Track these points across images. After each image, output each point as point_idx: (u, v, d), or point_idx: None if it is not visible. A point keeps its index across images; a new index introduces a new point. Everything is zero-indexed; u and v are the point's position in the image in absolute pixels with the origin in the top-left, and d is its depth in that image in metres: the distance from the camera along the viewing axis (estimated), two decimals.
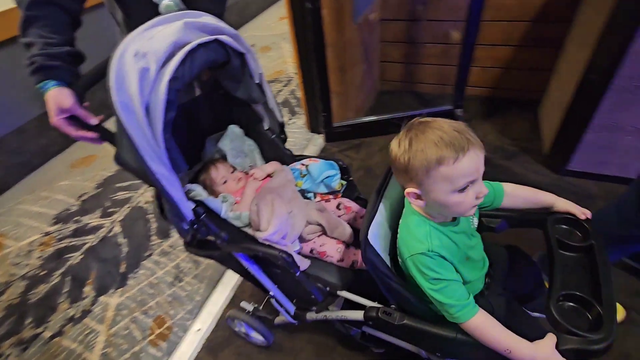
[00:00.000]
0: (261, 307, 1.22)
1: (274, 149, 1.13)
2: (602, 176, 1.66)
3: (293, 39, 1.89)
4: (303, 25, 1.79)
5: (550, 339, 0.61)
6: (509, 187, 0.81)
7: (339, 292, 0.90)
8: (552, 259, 0.72)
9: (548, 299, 0.65)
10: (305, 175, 1.09)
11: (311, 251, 0.98)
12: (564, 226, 0.77)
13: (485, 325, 0.65)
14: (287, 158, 1.13)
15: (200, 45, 0.74)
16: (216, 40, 0.78)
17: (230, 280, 1.50)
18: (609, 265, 0.67)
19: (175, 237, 1.73)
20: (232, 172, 1.07)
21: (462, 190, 0.63)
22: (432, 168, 0.61)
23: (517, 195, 0.82)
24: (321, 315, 0.97)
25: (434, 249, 0.67)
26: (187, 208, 0.77)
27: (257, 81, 0.95)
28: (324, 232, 0.99)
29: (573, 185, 1.70)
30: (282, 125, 1.09)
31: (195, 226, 0.79)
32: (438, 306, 0.68)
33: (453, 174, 0.61)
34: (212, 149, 1.12)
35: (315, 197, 1.10)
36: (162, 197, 0.75)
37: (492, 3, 1.95)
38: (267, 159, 1.16)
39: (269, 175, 1.07)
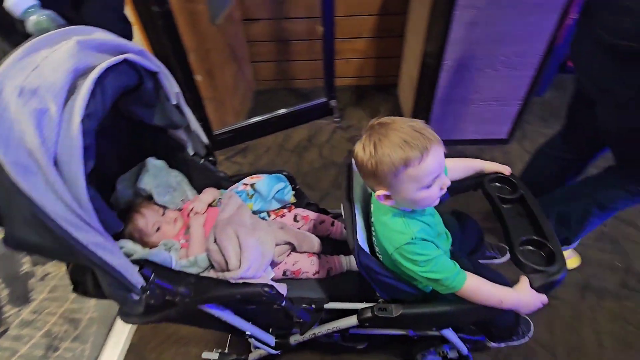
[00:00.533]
0: (227, 350, 1.09)
1: (206, 175, 1.00)
2: (458, 141, 1.99)
3: (148, 47, 1.71)
4: (155, 31, 1.63)
5: (524, 281, 0.70)
6: (449, 163, 0.83)
7: (325, 306, 0.86)
8: (499, 214, 0.82)
9: (511, 247, 0.74)
10: (253, 195, 1.00)
11: (284, 273, 0.92)
12: (497, 184, 0.88)
13: (477, 285, 0.71)
14: (224, 181, 1.02)
15: (108, 70, 0.58)
16: (125, 60, 0.63)
17: (122, 330, 1.29)
18: (540, 208, 0.79)
19: (39, 299, 1.40)
20: (163, 214, 0.91)
21: (429, 186, 0.66)
22: (400, 171, 0.64)
23: (456, 168, 0.88)
24: (308, 335, 0.91)
25: (416, 235, 0.69)
26: (134, 274, 0.62)
27: (174, 102, 0.81)
28: (292, 250, 0.93)
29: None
30: (208, 147, 0.97)
31: (148, 292, 0.64)
32: (434, 285, 0.72)
33: (419, 173, 0.64)
34: (129, 191, 0.92)
35: (269, 216, 1.02)
36: (95, 272, 0.58)
37: None
38: (198, 188, 1.01)
39: (210, 205, 0.95)
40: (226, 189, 1.03)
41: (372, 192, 0.75)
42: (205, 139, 0.96)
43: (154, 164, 0.94)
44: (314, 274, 0.92)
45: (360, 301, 0.83)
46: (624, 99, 0.89)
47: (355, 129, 2.22)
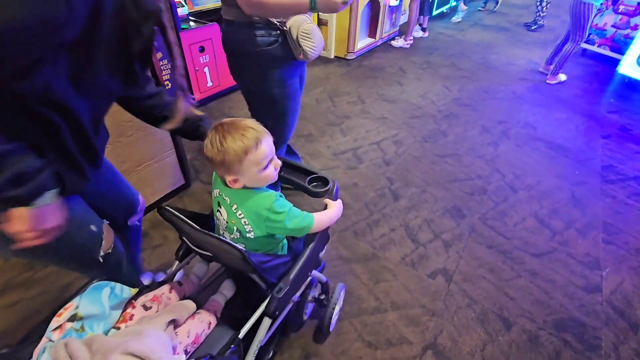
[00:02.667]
0: None
1: None
2: (147, 208, 1.67)
3: None
4: None
5: (327, 202, 1.01)
6: None
7: (240, 335, 0.85)
8: (286, 180, 1.07)
9: (307, 190, 1.03)
10: (82, 326, 0.74)
11: (186, 351, 0.81)
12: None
13: (319, 218, 0.92)
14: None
15: None
16: None
17: None
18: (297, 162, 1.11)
19: None
20: None
21: (266, 167, 0.84)
22: (243, 157, 0.80)
23: None
24: None
25: (275, 194, 0.88)
26: None
27: None
28: (176, 325, 0.83)
29: None
30: None
31: None
32: (299, 233, 0.91)
33: (258, 157, 0.82)
34: None
35: (119, 328, 0.80)
36: None
37: None
38: None
39: None
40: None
41: (221, 194, 0.91)
42: None
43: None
44: (209, 328, 0.89)
45: (256, 308, 0.86)
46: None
47: None
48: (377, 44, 4.28)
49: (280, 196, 0.89)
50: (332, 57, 3.93)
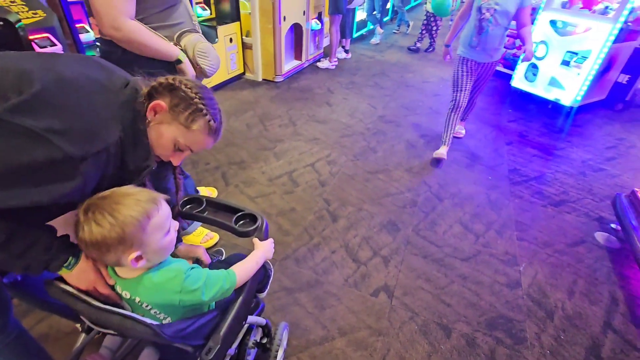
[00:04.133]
0: None
1: None
2: None
3: None
4: None
5: (255, 241, 0.95)
6: None
7: None
8: (208, 220, 1.02)
9: (233, 230, 0.97)
10: None
11: None
12: (188, 208, 1.05)
13: (241, 270, 0.85)
14: None
15: None
16: None
17: None
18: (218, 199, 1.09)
19: None
20: None
21: (168, 230, 0.74)
22: (146, 223, 0.68)
23: None
24: None
25: (182, 268, 0.75)
26: None
27: None
28: None
29: None
30: None
31: None
32: (224, 296, 0.80)
33: (161, 220, 0.72)
34: None
35: None
36: None
37: None
38: None
39: None
40: None
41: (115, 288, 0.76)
42: None
43: None
44: None
45: None
46: None
47: None
48: (304, 65, 4.39)
49: (192, 268, 0.77)
50: (260, 80, 3.93)
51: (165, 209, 0.73)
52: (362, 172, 2.53)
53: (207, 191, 2.17)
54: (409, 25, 6.64)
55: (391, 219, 2.11)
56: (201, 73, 1.33)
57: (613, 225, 2.16)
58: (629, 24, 3.23)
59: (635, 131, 3.46)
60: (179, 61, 1.25)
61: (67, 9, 2.17)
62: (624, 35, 3.25)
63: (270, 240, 0.97)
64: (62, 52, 1.97)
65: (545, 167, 2.77)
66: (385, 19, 6.58)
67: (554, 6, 3.47)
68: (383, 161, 2.68)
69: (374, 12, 5.82)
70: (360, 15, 5.75)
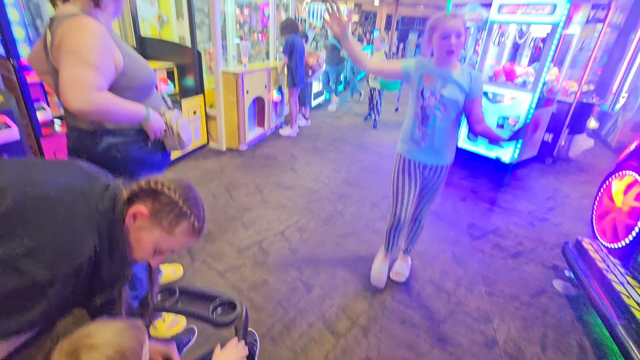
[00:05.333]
0: None
1: None
2: None
3: None
4: None
5: (215, 353, 0.89)
6: None
7: None
8: (178, 311, 1.00)
9: (210, 321, 0.93)
10: None
11: None
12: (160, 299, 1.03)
13: None
14: None
15: None
16: None
17: None
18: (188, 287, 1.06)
19: None
20: None
21: None
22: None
23: None
24: None
25: None
26: None
27: None
28: None
29: None
30: None
31: None
32: None
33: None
34: None
35: None
36: None
37: None
38: None
39: None
40: None
41: None
42: None
43: None
44: None
45: None
46: None
47: None
48: (267, 133, 4.57)
49: None
50: (224, 149, 4.00)
51: (147, 346, 0.68)
52: (332, 236, 2.55)
53: (171, 268, 2.05)
54: (361, 94, 7.28)
55: (365, 283, 2.10)
56: (179, 144, 1.41)
57: (567, 273, 2.33)
58: (544, 94, 3.83)
59: (566, 181, 3.91)
60: (146, 119, 1.25)
61: (26, 89, 2.15)
62: (543, 102, 3.83)
63: (233, 345, 0.90)
64: (18, 134, 1.91)
65: (499, 219, 2.99)
66: (339, 88, 7.19)
67: (483, 80, 4.05)
68: (351, 224, 2.73)
69: (330, 83, 6.36)
70: (317, 86, 6.25)
